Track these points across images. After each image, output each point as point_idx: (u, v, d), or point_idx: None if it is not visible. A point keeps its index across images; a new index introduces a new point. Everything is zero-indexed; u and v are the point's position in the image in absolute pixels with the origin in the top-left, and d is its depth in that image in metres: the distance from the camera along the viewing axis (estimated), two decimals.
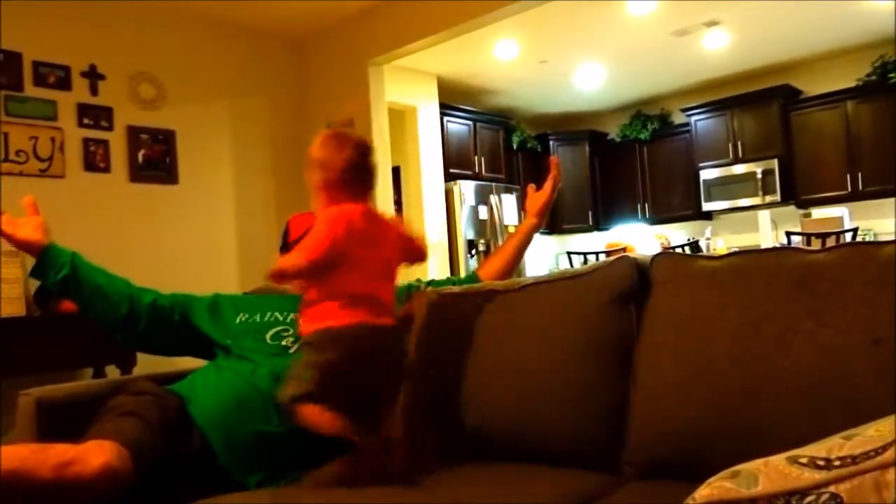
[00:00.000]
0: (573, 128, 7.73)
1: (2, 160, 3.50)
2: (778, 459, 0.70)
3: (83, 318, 1.83)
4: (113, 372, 3.31)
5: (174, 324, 1.81)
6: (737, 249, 1.48)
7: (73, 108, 3.78)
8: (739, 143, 6.58)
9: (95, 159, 3.85)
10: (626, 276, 1.50)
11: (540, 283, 1.68)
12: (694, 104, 6.86)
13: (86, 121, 3.83)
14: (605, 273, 1.54)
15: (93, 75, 3.88)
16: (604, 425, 1.44)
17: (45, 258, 1.71)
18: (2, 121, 3.52)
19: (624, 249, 6.37)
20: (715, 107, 6.72)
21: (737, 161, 6.59)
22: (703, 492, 0.88)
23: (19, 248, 1.73)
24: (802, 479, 0.66)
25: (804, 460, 0.68)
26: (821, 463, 0.66)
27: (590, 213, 7.57)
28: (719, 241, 6.82)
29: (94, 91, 3.88)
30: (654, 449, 1.35)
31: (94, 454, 1.33)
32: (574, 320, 1.51)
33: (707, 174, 6.76)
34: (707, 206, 6.79)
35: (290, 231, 1.86)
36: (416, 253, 1.58)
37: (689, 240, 6.82)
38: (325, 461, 1.40)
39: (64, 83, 3.76)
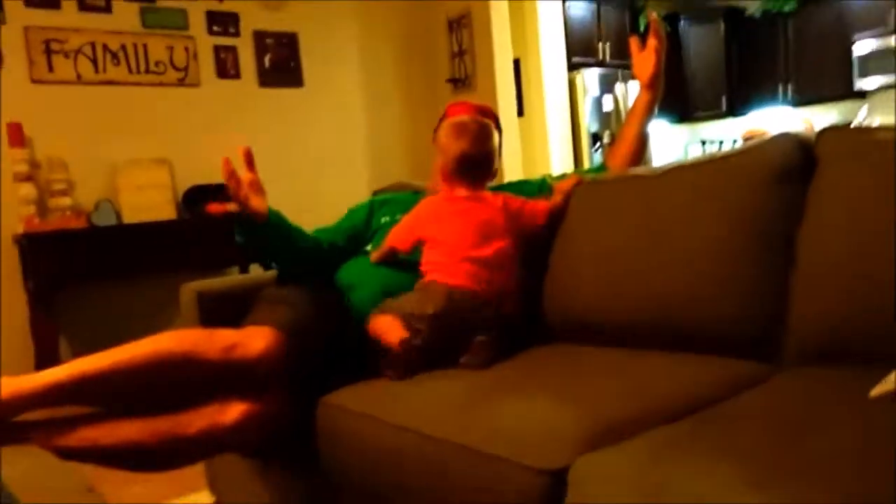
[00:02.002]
0: (707, 4, 7.08)
1: (144, 72, 3.68)
2: None
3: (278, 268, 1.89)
4: (256, 270, 3.52)
5: (351, 256, 1.85)
6: None
7: (202, 15, 3.88)
8: None
9: (226, 66, 3.96)
10: (786, 154, 1.36)
11: (685, 167, 1.58)
12: None
13: (215, 28, 3.92)
14: (761, 151, 1.41)
15: None
16: (758, 312, 1.35)
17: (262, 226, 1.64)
18: (140, 33, 3.67)
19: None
20: None
21: None
22: None
23: (245, 210, 1.58)
24: None
25: None
26: None
27: (723, 99, 7.02)
28: (876, 120, 6.17)
29: None
30: (817, 337, 1.26)
31: (255, 338, 1.43)
32: (726, 202, 1.41)
33: (862, 47, 6.04)
34: (860, 84, 6.10)
35: (447, 115, 1.88)
36: (525, 217, 1.68)
37: (839, 122, 6.23)
38: None
39: None
